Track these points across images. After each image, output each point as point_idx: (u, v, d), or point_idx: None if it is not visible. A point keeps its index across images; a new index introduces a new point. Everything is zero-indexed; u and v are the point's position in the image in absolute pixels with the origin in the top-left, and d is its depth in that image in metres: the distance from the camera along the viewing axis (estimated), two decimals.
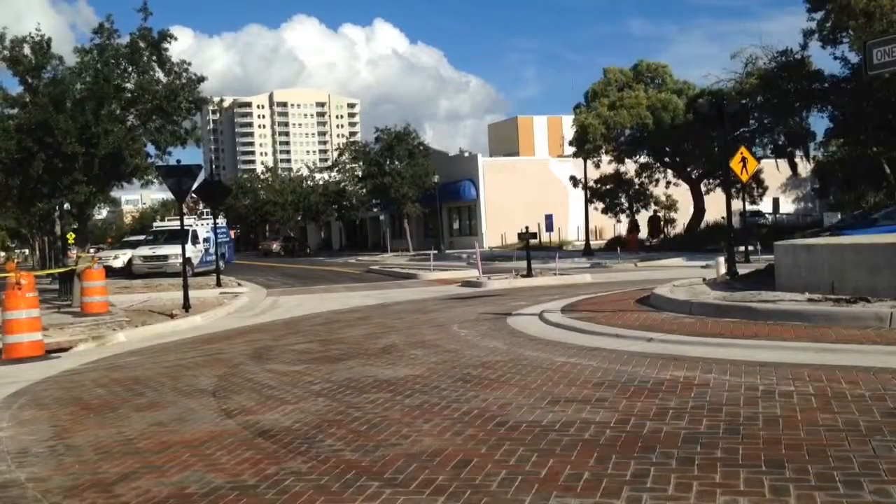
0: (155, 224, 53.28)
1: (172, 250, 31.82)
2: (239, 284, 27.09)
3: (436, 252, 38.58)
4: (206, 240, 34.67)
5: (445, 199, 57.58)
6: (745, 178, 23.91)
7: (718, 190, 39.23)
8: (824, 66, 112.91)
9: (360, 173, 59.05)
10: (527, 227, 24.50)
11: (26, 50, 19.33)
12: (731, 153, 22.71)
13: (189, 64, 20.07)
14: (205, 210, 43.94)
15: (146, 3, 19.42)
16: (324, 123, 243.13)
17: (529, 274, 23.23)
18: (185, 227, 25.91)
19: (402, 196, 54.69)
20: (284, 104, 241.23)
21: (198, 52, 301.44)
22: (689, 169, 43.07)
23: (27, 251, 77.68)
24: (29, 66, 19.30)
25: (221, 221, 41.21)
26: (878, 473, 4.21)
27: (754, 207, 45.00)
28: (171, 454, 5.68)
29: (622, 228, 50.03)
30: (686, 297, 12.27)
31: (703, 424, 5.41)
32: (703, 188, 43.33)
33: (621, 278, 22.43)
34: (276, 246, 75.80)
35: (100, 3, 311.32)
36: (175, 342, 13.18)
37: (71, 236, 28.69)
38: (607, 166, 44.77)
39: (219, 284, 26.06)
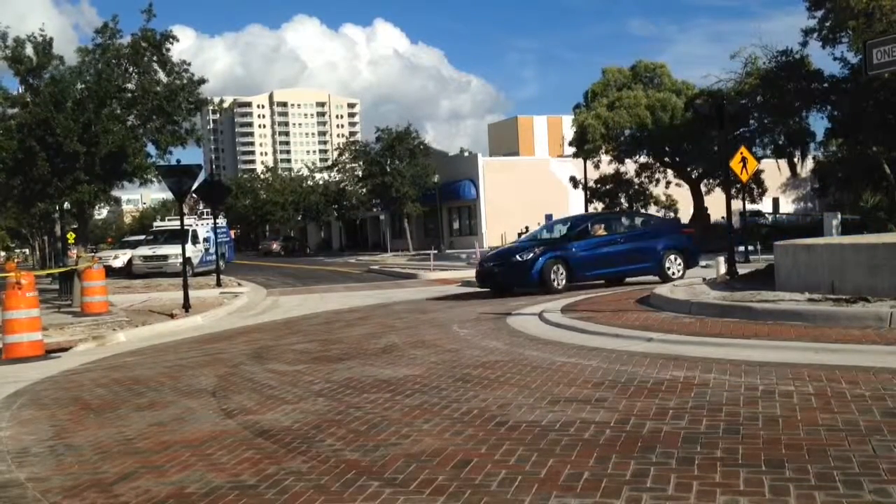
0: (155, 224, 53.24)
1: (172, 250, 31.85)
2: (239, 284, 27.10)
3: (436, 252, 38.57)
4: (206, 240, 34.68)
5: (445, 199, 57.61)
6: (745, 178, 23.89)
7: (718, 190, 39.26)
8: (824, 66, 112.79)
9: (360, 173, 59.08)
10: (526, 227, 24.57)
11: (28, 50, 19.34)
12: (730, 153, 22.71)
13: (189, 65, 20.10)
14: (205, 210, 43.91)
15: (151, 5, 19.45)
16: (324, 123, 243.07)
17: None
18: (185, 227, 25.92)
19: (403, 196, 54.70)
20: (285, 104, 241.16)
21: (199, 52, 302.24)
22: (688, 169, 43.09)
23: (27, 251, 77.75)
24: (30, 66, 19.31)
25: (221, 221, 41.23)
26: (877, 473, 4.20)
27: (754, 207, 45.03)
28: (170, 454, 5.67)
29: None
30: (686, 296, 12.26)
31: (702, 424, 5.41)
32: (703, 188, 43.35)
33: None
34: (276, 246, 75.94)
35: (102, 4, 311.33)
36: (175, 342, 13.19)
37: (71, 236, 28.72)
38: (607, 166, 44.79)
39: (219, 284, 26.07)
